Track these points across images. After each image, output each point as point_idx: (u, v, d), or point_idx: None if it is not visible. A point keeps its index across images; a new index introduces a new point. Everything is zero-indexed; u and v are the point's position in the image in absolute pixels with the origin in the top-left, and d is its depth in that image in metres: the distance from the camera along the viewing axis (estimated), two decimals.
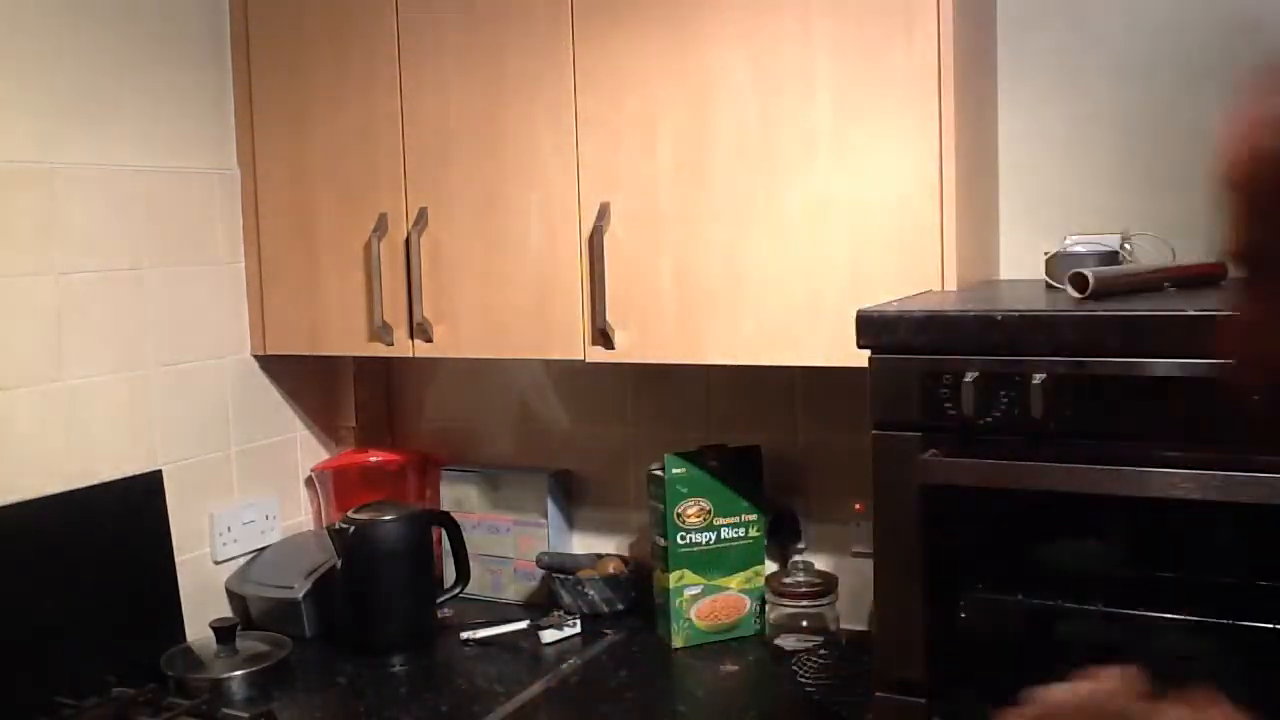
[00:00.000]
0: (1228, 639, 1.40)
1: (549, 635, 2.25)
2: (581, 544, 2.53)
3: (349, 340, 2.30)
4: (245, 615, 2.30)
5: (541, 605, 2.41)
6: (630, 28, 2.00)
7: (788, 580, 2.20)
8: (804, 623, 2.17)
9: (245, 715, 1.89)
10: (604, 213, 2.03)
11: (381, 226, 2.22)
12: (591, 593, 2.33)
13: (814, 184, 1.89)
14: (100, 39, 2.12)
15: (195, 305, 2.30)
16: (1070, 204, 2.07)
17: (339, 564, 2.27)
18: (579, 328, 2.09)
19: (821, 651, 2.13)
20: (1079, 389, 1.43)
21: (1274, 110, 0.61)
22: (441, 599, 2.37)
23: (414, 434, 2.70)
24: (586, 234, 2.05)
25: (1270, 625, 1.38)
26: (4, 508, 1.93)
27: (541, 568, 2.42)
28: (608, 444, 2.51)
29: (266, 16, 2.32)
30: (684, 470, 2.20)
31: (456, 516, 2.42)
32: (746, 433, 2.31)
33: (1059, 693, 0.84)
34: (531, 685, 2.05)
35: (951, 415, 1.49)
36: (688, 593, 2.21)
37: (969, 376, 1.47)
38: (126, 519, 2.14)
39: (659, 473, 2.21)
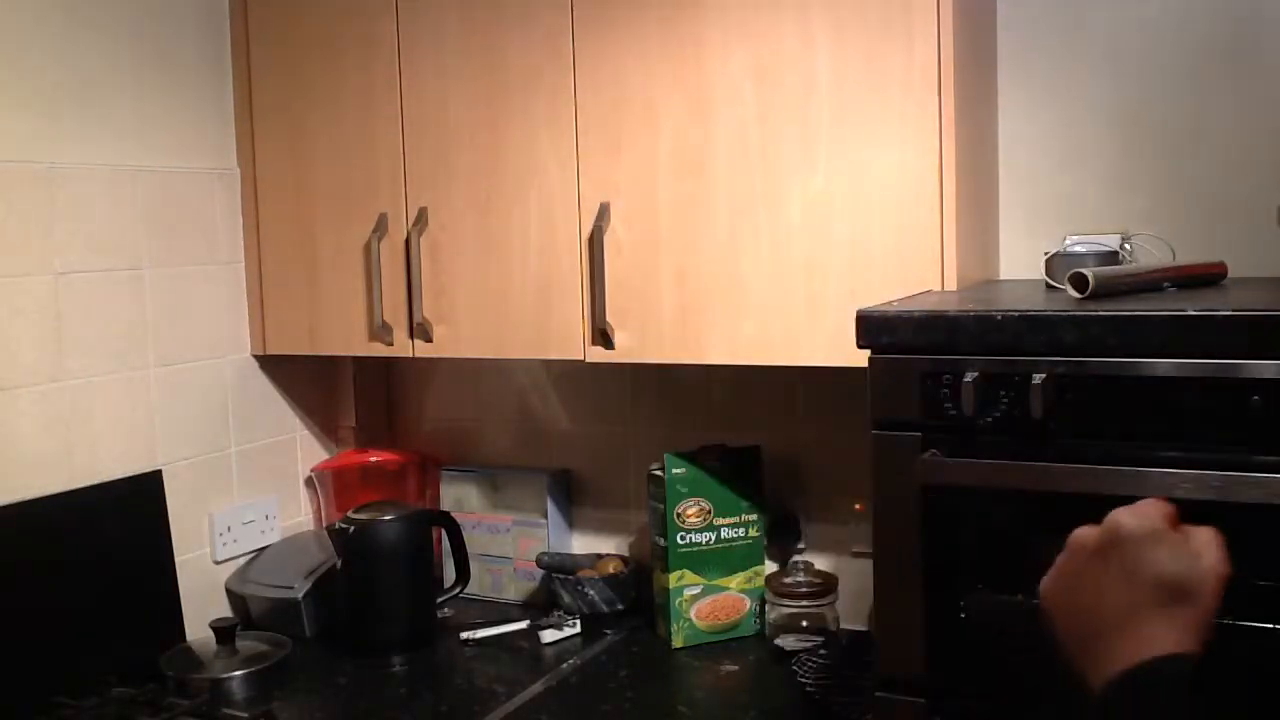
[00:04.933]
0: (1228, 639, 1.39)
1: (549, 635, 2.25)
2: (581, 544, 2.53)
3: (349, 340, 2.30)
4: (245, 615, 2.31)
5: (541, 605, 2.41)
6: (630, 28, 2.00)
7: (788, 580, 2.20)
8: (804, 623, 2.17)
9: (245, 715, 1.89)
10: (604, 213, 2.04)
11: (381, 226, 2.22)
12: (591, 593, 2.33)
13: (814, 184, 1.89)
14: (100, 39, 2.12)
15: (195, 305, 2.30)
16: (1070, 204, 2.07)
17: (339, 564, 2.27)
18: (579, 328, 2.09)
19: (821, 651, 2.13)
20: (1079, 389, 1.43)
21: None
22: (441, 599, 2.37)
23: (414, 434, 2.70)
24: (586, 234, 2.05)
25: (1270, 625, 1.38)
26: (4, 508, 1.93)
27: (541, 568, 2.42)
28: (608, 444, 2.51)
29: (266, 17, 2.32)
30: (684, 470, 2.20)
31: (456, 516, 2.43)
32: (746, 433, 2.31)
33: (1086, 533, 0.88)
34: (531, 685, 2.05)
35: (951, 415, 1.49)
36: (688, 593, 2.21)
37: (969, 376, 1.47)
38: (126, 519, 2.14)
39: (659, 473, 2.21)
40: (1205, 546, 0.86)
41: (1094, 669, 0.85)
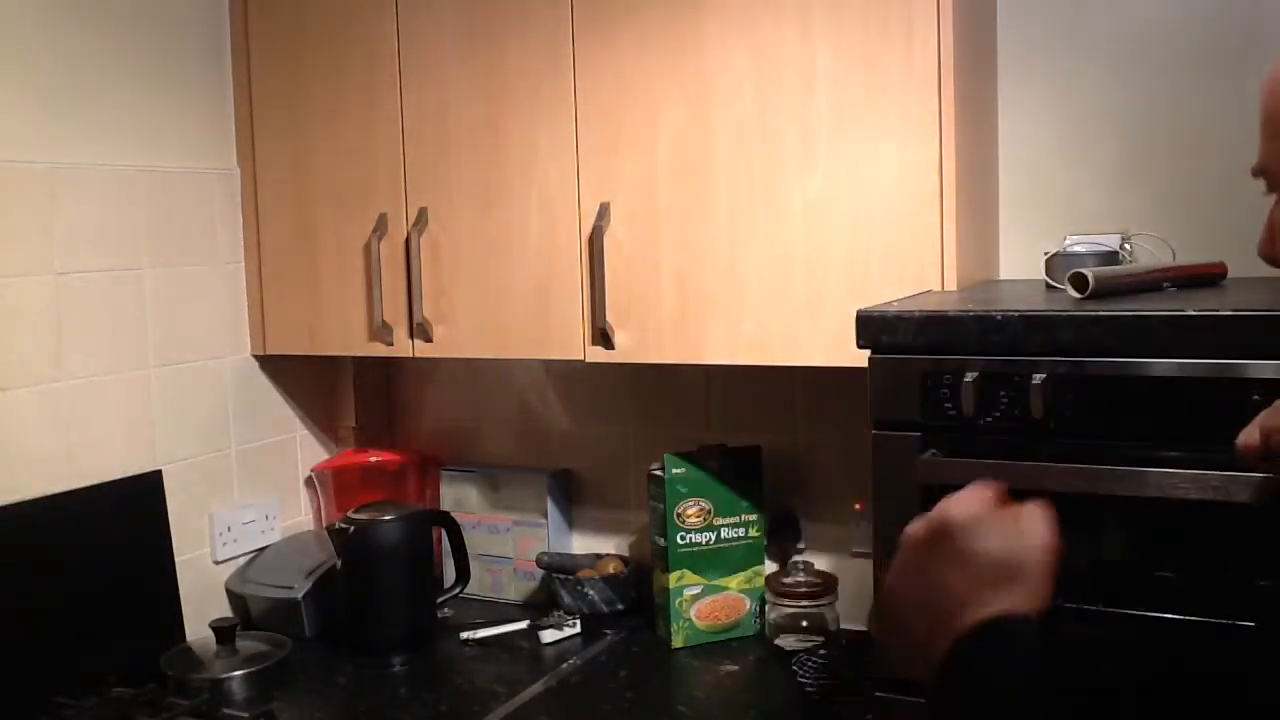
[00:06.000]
0: (1227, 639, 1.40)
1: (549, 635, 2.25)
2: (581, 544, 2.53)
3: (349, 340, 2.30)
4: (245, 615, 2.31)
5: (541, 605, 2.41)
6: (630, 27, 2.00)
7: (788, 580, 2.20)
8: (804, 623, 2.17)
9: (245, 715, 1.89)
10: (604, 213, 2.04)
11: (381, 226, 2.22)
12: (591, 593, 2.33)
13: (814, 184, 1.89)
14: (101, 39, 2.12)
15: (195, 305, 2.30)
16: (1070, 204, 2.07)
17: (339, 564, 2.27)
18: (579, 328, 2.09)
19: (821, 651, 2.13)
20: (1079, 389, 1.43)
21: None
22: (441, 599, 2.37)
23: (414, 434, 2.70)
24: (586, 234, 2.05)
25: (1270, 625, 1.38)
26: (4, 508, 1.93)
27: (541, 568, 2.42)
28: (608, 444, 2.51)
29: (266, 17, 2.32)
30: (684, 470, 2.20)
31: (456, 516, 2.42)
32: (746, 433, 2.31)
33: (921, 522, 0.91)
34: (531, 685, 2.05)
35: (951, 415, 1.49)
36: (687, 593, 2.21)
37: (969, 376, 1.47)
38: (126, 519, 2.14)
39: (659, 473, 2.21)
40: (1032, 523, 0.89)
41: (937, 653, 0.86)
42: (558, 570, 2.39)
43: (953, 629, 0.85)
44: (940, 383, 1.50)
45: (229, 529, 2.37)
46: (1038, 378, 1.44)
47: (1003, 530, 0.87)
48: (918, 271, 1.82)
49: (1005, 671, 0.82)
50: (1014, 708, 0.81)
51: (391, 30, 2.19)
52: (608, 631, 2.29)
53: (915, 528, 0.90)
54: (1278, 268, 1.02)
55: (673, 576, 2.20)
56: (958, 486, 1.51)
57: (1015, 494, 0.92)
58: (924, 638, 0.88)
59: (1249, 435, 1.02)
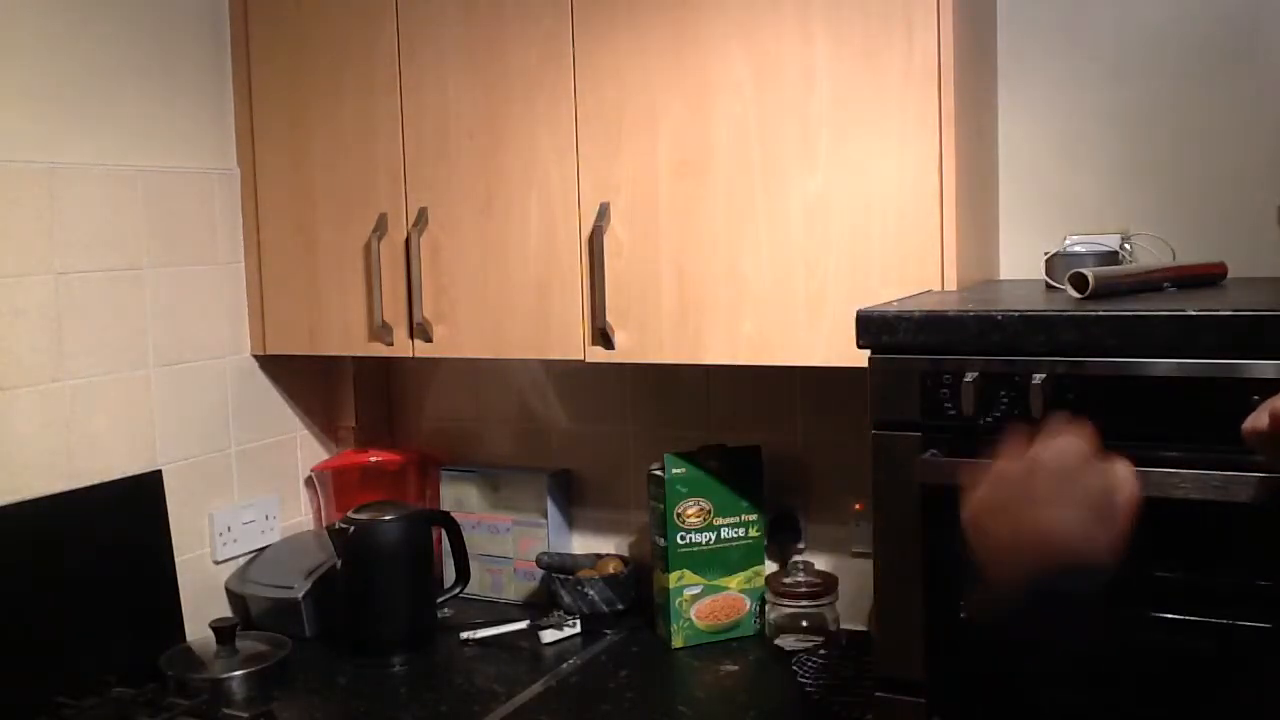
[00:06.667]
0: (1228, 639, 1.40)
1: (549, 635, 2.25)
2: (581, 544, 2.53)
3: (349, 340, 2.30)
4: (245, 615, 2.31)
5: (541, 605, 2.41)
6: (630, 27, 2.00)
7: (788, 580, 2.20)
8: (804, 623, 2.17)
9: (245, 715, 1.89)
10: (604, 213, 2.04)
11: (381, 226, 2.22)
12: (591, 593, 2.33)
13: (814, 184, 1.89)
14: (101, 39, 2.12)
15: (195, 305, 2.30)
16: (1070, 204, 2.07)
17: (339, 564, 2.27)
18: (579, 328, 2.09)
19: (821, 651, 2.13)
20: (1079, 389, 1.43)
21: None
22: (441, 599, 2.37)
23: (414, 434, 2.70)
24: (586, 234, 2.05)
25: (1269, 625, 1.38)
26: (4, 508, 1.93)
27: (541, 568, 2.42)
28: (608, 444, 2.51)
29: (266, 16, 2.32)
30: (684, 470, 2.20)
31: (456, 516, 2.43)
32: (746, 433, 2.31)
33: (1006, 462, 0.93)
34: (531, 685, 2.05)
35: (951, 415, 1.49)
36: (687, 593, 2.21)
37: (969, 376, 1.47)
38: (126, 519, 2.14)
39: (659, 473, 2.21)
40: (1121, 480, 0.92)
41: (1006, 588, 0.91)
42: (558, 570, 2.39)
43: (1029, 570, 0.88)
44: (940, 383, 1.50)
45: (229, 529, 2.37)
46: (1038, 378, 1.44)
47: (1093, 484, 0.90)
48: (918, 271, 1.82)
49: (1067, 617, 0.85)
50: (1055, 658, 0.84)
51: (391, 30, 2.19)
52: (608, 631, 2.29)
53: (1009, 467, 0.92)
54: None
55: (673, 576, 2.20)
56: (957, 486, 1.52)
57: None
58: (998, 573, 0.91)
59: (1257, 419, 1.02)
